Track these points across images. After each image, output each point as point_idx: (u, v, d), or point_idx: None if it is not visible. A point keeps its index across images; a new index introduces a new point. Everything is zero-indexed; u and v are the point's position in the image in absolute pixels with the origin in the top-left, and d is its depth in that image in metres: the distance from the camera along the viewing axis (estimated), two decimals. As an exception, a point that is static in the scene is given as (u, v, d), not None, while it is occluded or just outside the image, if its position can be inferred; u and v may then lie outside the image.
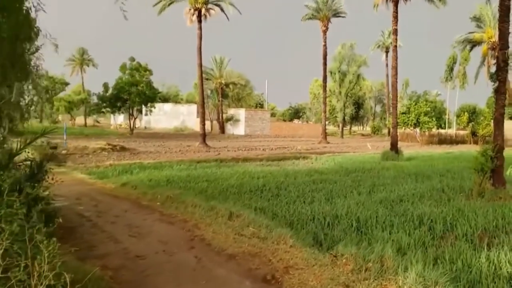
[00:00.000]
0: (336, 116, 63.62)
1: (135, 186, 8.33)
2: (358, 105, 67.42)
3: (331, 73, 58.96)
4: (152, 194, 7.42)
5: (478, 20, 32.00)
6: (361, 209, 7.19)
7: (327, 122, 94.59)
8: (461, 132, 49.07)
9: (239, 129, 47.96)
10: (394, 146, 19.62)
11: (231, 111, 50.62)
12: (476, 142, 37.81)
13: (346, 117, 62.60)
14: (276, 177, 11.09)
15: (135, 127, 59.61)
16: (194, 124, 48.96)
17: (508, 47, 10.85)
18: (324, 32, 38.00)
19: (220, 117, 49.28)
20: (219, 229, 5.11)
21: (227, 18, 27.11)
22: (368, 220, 6.55)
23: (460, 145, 40.18)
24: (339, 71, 58.47)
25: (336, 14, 38.42)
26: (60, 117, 57.34)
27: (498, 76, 10.85)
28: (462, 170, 13.40)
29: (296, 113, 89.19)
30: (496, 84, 10.91)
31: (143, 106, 41.56)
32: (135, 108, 40.93)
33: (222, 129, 48.95)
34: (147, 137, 35.88)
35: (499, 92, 10.67)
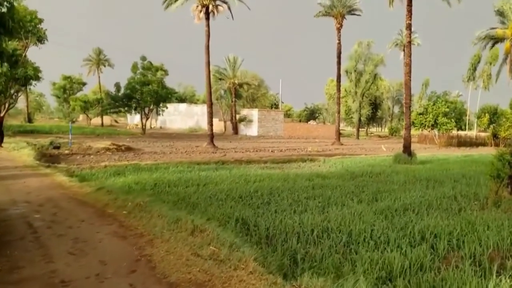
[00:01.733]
0: (352, 117, 62.33)
1: (110, 191, 7.69)
2: (375, 105, 65.93)
3: (346, 72, 57.76)
4: (123, 201, 6.76)
5: (501, 14, 30.35)
6: (356, 221, 6.35)
7: (343, 123, 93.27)
8: (482, 134, 47.25)
9: (252, 130, 47.25)
10: (407, 149, 18.56)
11: (244, 112, 49.94)
12: (497, 145, 36.11)
13: (362, 118, 61.26)
14: (273, 182, 10.33)
15: (150, 127, 60.25)
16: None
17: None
18: (338, 29, 36.99)
19: (234, 118, 48.67)
20: (175, 247, 4.39)
21: (232, 17, 26.41)
22: (361, 234, 5.72)
23: (481, 147, 38.48)
24: (355, 71, 57.23)
25: (351, 12, 37.32)
26: (80, 117, 57.83)
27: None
28: (479, 175, 12.33)
29: (312, 114, 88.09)
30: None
31: (158, 105, 41.40)
32: (148, 108, 40.75)
33: (236, 130, 48.35)
34: (159, 137, 35.56)
35: (519, 90, 9.59)
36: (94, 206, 6.76)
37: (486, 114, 45.18)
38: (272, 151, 23.37)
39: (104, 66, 62.62)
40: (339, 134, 37.38)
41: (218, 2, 25.32)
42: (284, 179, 10.97)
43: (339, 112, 38.60)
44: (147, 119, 40.75)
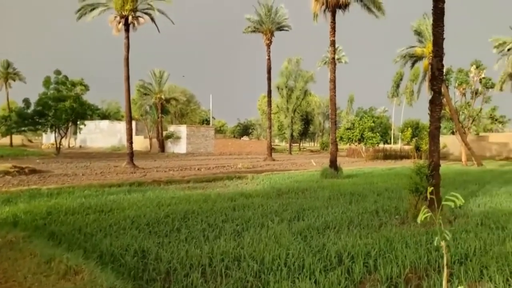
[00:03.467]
0: (284, 132, 63.54)
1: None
2: (307, 121, 67.85)
3: (278, 88, 58.98)
4: (-7, 237, 5.76)
5: (419, 34, 32.61)
6: (271, 245, 5.94)
7: (277, 139, 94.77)
8: (406, 147, 50.30)
9: (181, 147, 46.01)
10: (333, 163, 18.90)
11: (172, 128, 48.60)
12: (420, 157, 38.52)
13: (294, 133, 62.65)
14: (190, 204, 9.69)
15: (69, 146, 56.36)
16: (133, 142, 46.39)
17: (443, 53, 10.18)
18: (268, 45, 37.60)
19: (160, 135, 47.11)
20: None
21: (158, 29, 25.67)
22: (275, 261, 5.31)
23: (405, 160, 40.90)
24: (286, 87, 58.63)
25: (280, 28, 38.15)
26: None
27: (433, 85, 10.20)
28: (401, 188, 12.67)
29: (245, 130, 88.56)
30: (431, 95, 10.25)
31: (75, 123, 38.72)
32: (64, 126, 38.03)
33: (162, 147, 46.77)
34: (75, 157, 33.16)
35: (434, 103, 9.93)
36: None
37: (409, 128, 48.33)
38: (198, 169, 22.65)
39: (14, 80, 57.84)
40: (271, 150, 37.59)
41: (138, 14, 24.41)
42: (203, 200, 10.38)
43: (270, 128, 38.92)
44: (61, 138, 37.94)
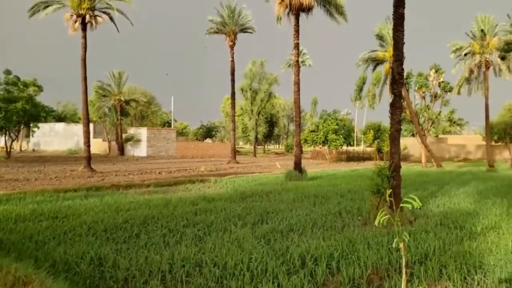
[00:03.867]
0: (249, 135, 63.72)
1: None
2: (272, 123, 68.37)
3: (242, 90, 59.14)
4: None
5: (381, 38, 33.56)
6: (234, 250, 5.90)
7: (241, 141, 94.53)
8: (368, 149, 51.74)
9: (141, 150, 45.04)
10: (297, 165, 19.10)
11: (132, 131, 47.50)
12: (381, 159, 39.65)
13: (259, 136, 62.98)
14: (150, 209, 9.48)
15: (21, 150, 53.89)
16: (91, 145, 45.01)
17: (403, 57, 10.52)
18: (231, 47, 37.60)
19: (119, 137, 45.93)
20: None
21: (117, 29, 25.05)
22: (237, 266, 5.27)
23: (367, 161, 41.97)
24: (250, 89, 58.88)
25: (244, 30, 38.25)
26: None
27: (394, 89, 10.52)
28: (363, 189, 12.97)
29: (208, 132, 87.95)
30: (392, 98, 10.55)
31: (28, 125, 37.13)
32: (15, 129, 36.35)
33: (122, 151, 45.59)
34: (28, 162, 31.72)
35: (394, 106, 10.22)
36: None
37: (371, 131, 49.70)
38: (159, 173, 22.24)
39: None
40: (234, 152, 37.53)
41: (97, 13, 23.69)
42: (164, 205, 10.18)
43: (234, 130, 38.86)
44: (12, 141, 36.25)
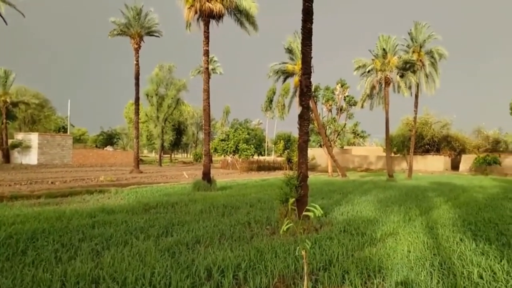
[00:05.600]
0: (154, 143, 62.10)
1: None
2: (179, 131, 67.50)
3: (147, 96, 57.59)
4: None
5: (290, 52, 35.08)
6: (135, 264, 5.69)
7: (146, 149, 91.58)
8: (279, 159, 53.55)
9: (31, 158, 41.47)
10: (206, 175, 19.06)
11: (19, 136, 43.56)
12: (291, 168, 41.29)
13: (165, 144, 61.70)
14: (40, 222, 8.75)
15: None
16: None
17: (312, 71, 11.13)
18: (137, 50, 36.66)
19: (5, 143, 41.80)
20: None
21: (5, 22, 22.98)
22: (138, 281, 5.08)
23: (278, 171, 43.42)
24: (156, 95, 57.62)
25: (150, 33, 37.50)
26: None
27: (302, 101, 11.03)
28: (273, 199, 13.37)
29: (109, 139, 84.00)
30: (300, 110, 11.06)
31: None
32: None
33: (7, 158, 41.54)
34: None
35: (302, 118, 10.75)
36: None
37: (281, 141, 51.59)
38: (52, 183, 20.66)
39: None
40: (138, 161, 36.31)
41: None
42: (57, 217, 9.47)
43: (137, 138, 37.56)
44: None
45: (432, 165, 50.74)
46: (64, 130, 70.09)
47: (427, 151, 53.33)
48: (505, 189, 20.59)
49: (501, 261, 6.29)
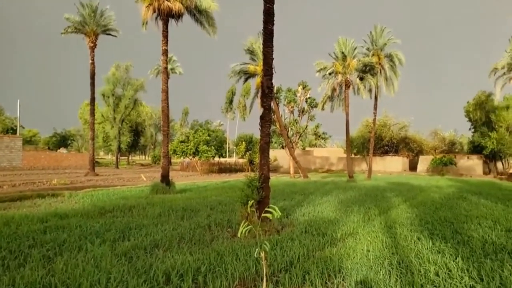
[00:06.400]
0: (110, 144, 60.58)
1: None
2: (137, 132, 66.18)
3: (104, 96, 56.16)
4: None
5: (251, 53, 35.19)
6: (89, 270, 5.52)
7: (101, 151, 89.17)
8: (240, 161, 53.58)
9: (-25, 161, 39.46)
10: (165, 178, 18.79)
11: (-37, 137, 41.36)
12: (253, 170, 41.42)
13: (122, 146, 60.33)
14: (-15, 228, 8.31)
15: None
16: None
17: (273, 72, 11.19)
18: (92, 48, 35.78)
19: None
20: None
21: None
22: (93, 287, 4.94)
23: (239, 173, 43.40)
24: (113, 95, 56.34)
25: (106, 31, 36.66)
26: None
27: (263, 102, 11.06)
28: (234, 201, 13.37)
29: (63, 141, 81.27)
30: (262, 112, 11.10)
31: None
32: None
33: (-51, 161, 39.33)
34: None
35: (264, 119, 10.79)
36: None
37: (243, 142, 51.65)
38: (0, 187, 19.72)
39: None
40: (93, 164, 35.34)
41: None
42: (4, 223, 9.07)
43: (93, 139, 36.54)
44: None
45: (391, 166, 52.40)
46: (13, 131, 67.13)
47: (386, 152, 55.01)
48: (460, 189, 21.53)
49: (456, 258, 6.57)
